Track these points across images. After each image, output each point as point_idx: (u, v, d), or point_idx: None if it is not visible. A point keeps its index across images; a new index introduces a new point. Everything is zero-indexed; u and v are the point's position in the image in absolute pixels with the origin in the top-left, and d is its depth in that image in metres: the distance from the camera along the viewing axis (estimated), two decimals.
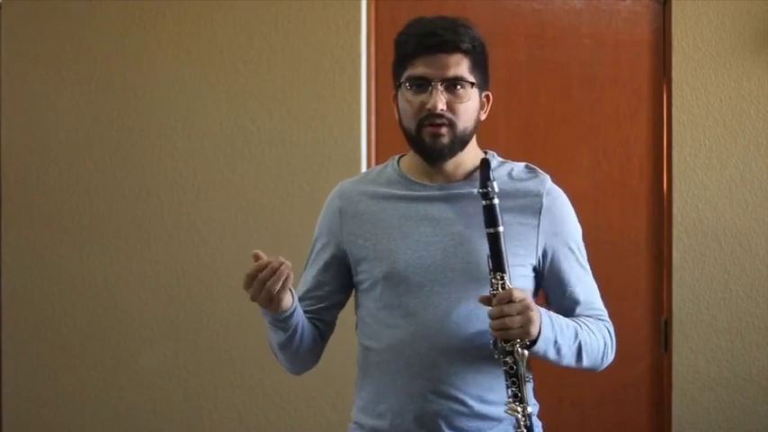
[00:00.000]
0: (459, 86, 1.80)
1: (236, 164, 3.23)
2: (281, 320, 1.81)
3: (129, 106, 3.27)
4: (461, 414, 1.81)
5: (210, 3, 3.24)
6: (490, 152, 1.94)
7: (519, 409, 1.72)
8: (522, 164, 1.93)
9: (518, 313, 1.68)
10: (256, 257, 1.71)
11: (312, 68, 3.20)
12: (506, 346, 1.71)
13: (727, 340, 3.14)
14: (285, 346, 1.88)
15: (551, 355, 1.77)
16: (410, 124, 1.84)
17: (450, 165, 1.86)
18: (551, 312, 1.79)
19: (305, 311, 1.92)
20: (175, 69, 3.26)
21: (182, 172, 3.26)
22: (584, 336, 1.83)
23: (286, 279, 1.70)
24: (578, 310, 1.88)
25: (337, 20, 3.19)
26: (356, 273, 1.93)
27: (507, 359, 1.71)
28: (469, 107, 1.82)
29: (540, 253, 1.86)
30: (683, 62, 3.15)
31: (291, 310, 1.80)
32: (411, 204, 1.88)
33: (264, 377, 3.19)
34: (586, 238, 1.93)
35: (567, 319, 1.82)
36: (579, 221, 1.93)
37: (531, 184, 1.88)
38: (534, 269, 1.87)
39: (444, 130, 1.81)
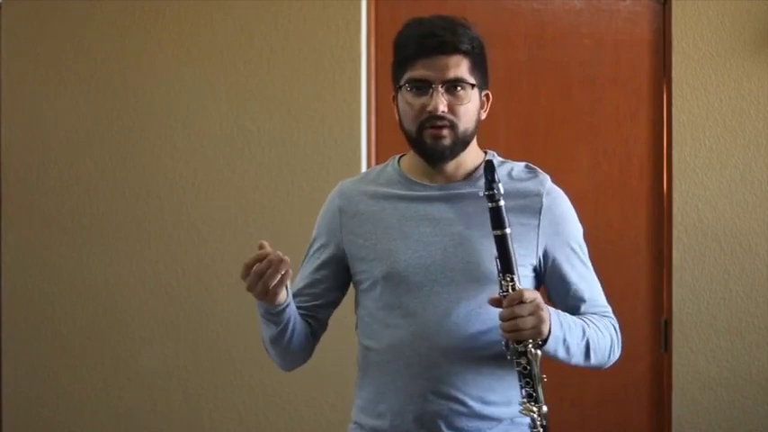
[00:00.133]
0: (459, 88, 1.80)
1: (236, 164, 3.24)
2: (274, 314, 1.81)
3: (129, 106, 3.27)
4: (461, 414, 1.81)
5: (210, 3, 3.24)
6: (490, 152, 1.94)
7: (534, 409, 1.72)
8: (522, 164, 1.93)
9: (529, 314, 1.68)
10: (261, 247, 1.71)
11: (312, 68, 3.20)
12: (519, 347, 1.71)
13: (727, 340, 3.14)
14: (276, 341, 1.88)
15: (561, 353, 1.77)
16: (411, 126, 1.84)
17: (450, 165, 1.87)
18: (559, 311, 1.79)
19: (299, 307, 1.93)
20: (175, 69, 3.26)
21: (182, 172, 3.26)
22: (592, 333, 1.83)
23: (284, 275, 1.70)
24: (583, 308, 1.88)
25: (337, 20, 3.19)
26: (356, 272, 1.93)
27: (521, 360, 1.71)
28: (470, 108, 1.83)
29: (540, 253, 1.86)
30: (683, 62, 3.15)
31: (285, 304, 1.80)
32: (411, 204, 1.88)
33: (264, 377, 3.19)
34: (587, 237, 1.93)
35: (573, 317, 1.82)
36: (580, 221, 1.93)
37: (530, 185, 1.88)
38: (534, 269, 1.87)
39: (446, 131, 1.81)
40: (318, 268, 1.96)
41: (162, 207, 3.26)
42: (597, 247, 2.02)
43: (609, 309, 1.93)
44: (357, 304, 1.96)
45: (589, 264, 1.92)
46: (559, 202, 1.89)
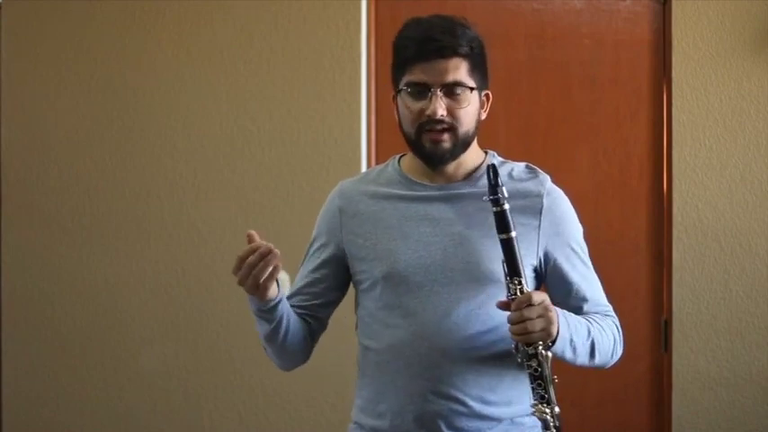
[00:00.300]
0: (458, 91, 1.80)
1: (236, 164, 3.24)
2: (266, 311, 1.81)
3: (129, 106, 3.27)
4: (461, 414, 1.81)
5: (210, 3, 3.24)
6: (490, 152, 1.94)
7: (546, 410, 1.72)
8: (523, 164, 1.93)
9: (538, 316, 1.68)
10: (250, 238, 1.71)
11: (312, 68, 3.20)
12: (529, 350, 1.71)
13: (727, 340, 3.14)
14: (270, 339, 1.88)
15: (568, 354, 1.77)
16: (410, 129, 1.83)
17: (451, 165, 1.86)
18: (565, 311, 1.79)
19: (299, 306, 1.93)
20: (175, 69, 3.26)
21: (182, 172, 3.26)
22: (596, 333, 1.83)
23: (274, 269, 1.70)
24: (586, 308, 1.88)
25: (337, 20, 3.19)
26: (356, 272, 1.93)
27: (531, 362, 1.71)
28: (470, 111, 1.82)
29: (540, 254, 1.86)
30: (683, 62, 3.15)
31: (276, 300, 1.80)
32: (411, 204, 1.88)
33: (264, 377, 3.19)
34: (587, 237, 1.93)
35: (578, 317, 1.83)
36: (580, 221, 1.93)
37: (531, 185, 1.88)
38: (535, 270, 1.87)
39: (445, 135, 1.81)
40: (318, 267, 1.96)
41: (162, 207, 3.26)
42: (597, 247, 2.02)
43: (610, 308, 1.93)
44: (357, 304, 1.96)
45: (590, 264, 1.92)
46: (560, 203, 1.89)
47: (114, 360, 3.28)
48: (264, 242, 1.70)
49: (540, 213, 1.86)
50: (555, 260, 1.87)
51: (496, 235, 1.73)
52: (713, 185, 3.14)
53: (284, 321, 1.85)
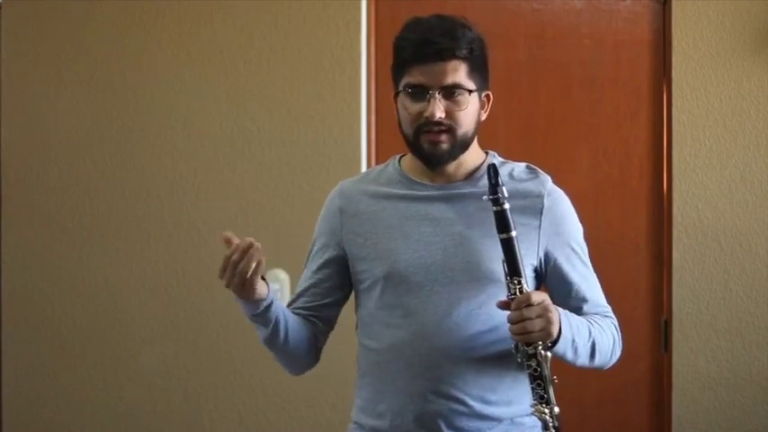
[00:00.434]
0: (457, 93, 1.80)
1: (236, 164, 3.23)
2: (258, 315, 1.80)
3: (129, 106, 3.27)
4: (462, 414, 1.81)
5: (210, 3, 3.24)
6: (491, 152, 1.94)
7: (546, 410, 1.73)
8: (523, 164, 1.93)
9: (538, 316, 1.68)
10: (228, 241, 1.70)
11: (312, 68, 3.20)
12: (528, 350, 1.71)
13: (727, 340, 3.14)
14: (270, 343, 1.87)
15: (569, 354, 1.77)
16: (409, 131, 1.83)
17: (451, 165, 1.86)
18: (567, 312, 1.79)
19: (305, 307, 1.93)
20: (175, 69, 3.26)
21: (182, 172, 3.26)
22: (597, 333, 1.83)
23: (258, 263, 1.69)
24: (586, 309, 1.88)
25: (337, 20, 3.19)
26: (356, 272, 1.92)
27: (531, 362, 1.71)
28: (469, 112, 1.82)
29: (541, 254, 1.86)
30: (683, 62, 3.15)
31: (267, 302, 1.79)
32: (411, 204, 1.88)
33: (264, 377, 3.19)
34: (587, 237, 1.94)
35: (579, 317, 1.83)
36: (580, 221, 1.93)
37: (531, 185, 1.88)
38: (535, 270, 1.87)
39: (444, 137, 1.80)
40: (321, 268, 1.96)
41: (162, 207, 3.26)
42: (597, 247, 2.02)
43: (609, 309, 1.93)
44: (357, 304, 1.96)
45: (589, 264, 1.92)
46: (560, 203, 1.89)
47: (114, 360, 3.28)
48: (246, 238, 1.69)
49: (541, 213, 1.86)
50: (555, 260, 1.87)
51: (497, 235, 1.73)
52: (713, 185, 3.14)
53: (281, 323, 1.84)
